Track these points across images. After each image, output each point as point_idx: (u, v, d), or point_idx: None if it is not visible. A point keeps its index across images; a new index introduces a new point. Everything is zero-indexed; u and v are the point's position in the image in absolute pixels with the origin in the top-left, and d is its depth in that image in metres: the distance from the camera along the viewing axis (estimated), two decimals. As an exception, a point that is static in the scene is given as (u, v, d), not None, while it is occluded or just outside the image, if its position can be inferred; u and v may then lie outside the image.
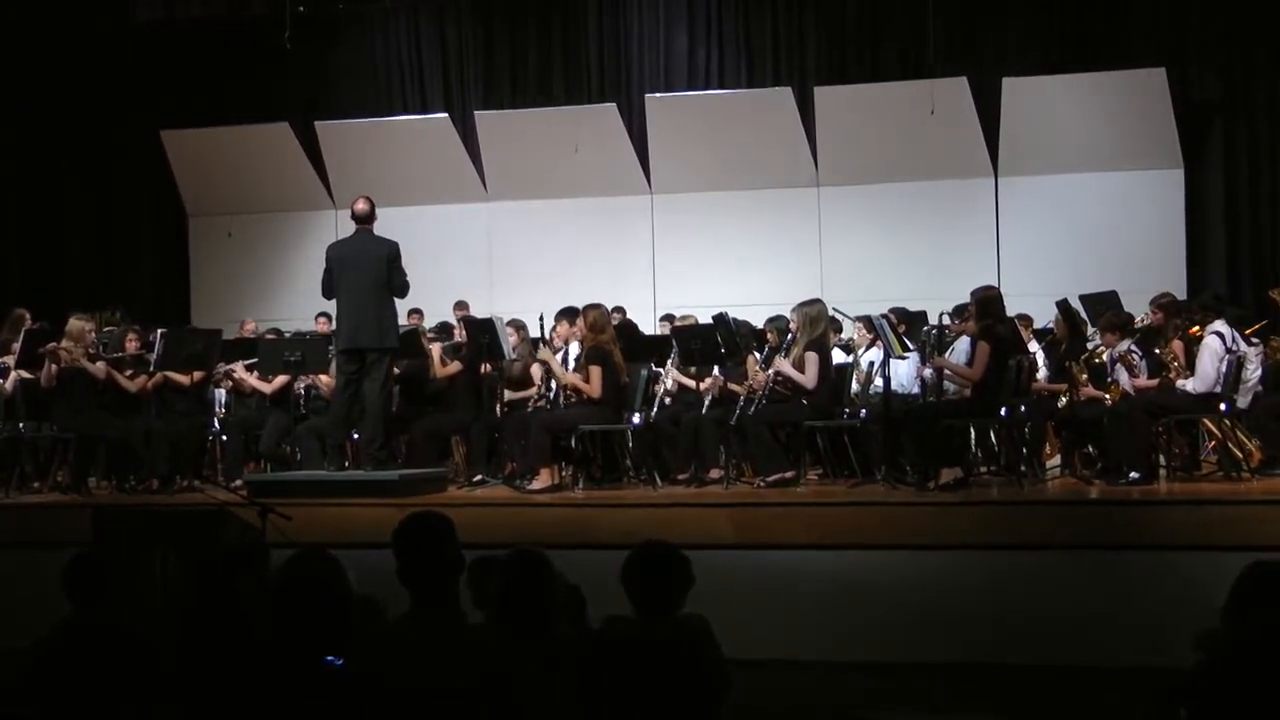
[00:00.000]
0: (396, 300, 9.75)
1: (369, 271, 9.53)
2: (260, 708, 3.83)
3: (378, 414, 9.57)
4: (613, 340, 9.79)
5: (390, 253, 9.56)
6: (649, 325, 13.91)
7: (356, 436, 10.09)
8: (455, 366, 10.50)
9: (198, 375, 10.67)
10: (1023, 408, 9.45)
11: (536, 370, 10.41)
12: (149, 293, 16.27)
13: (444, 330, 11.27)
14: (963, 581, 7.59)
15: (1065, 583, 7.48)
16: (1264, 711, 3.47)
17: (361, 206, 9.73)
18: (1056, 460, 10.07)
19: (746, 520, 8.42)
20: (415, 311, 13.24)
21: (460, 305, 13.53)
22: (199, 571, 4.59)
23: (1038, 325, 11.42)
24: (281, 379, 10.77)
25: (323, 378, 10.77)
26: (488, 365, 10.54)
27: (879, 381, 9.85)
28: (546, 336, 10.49)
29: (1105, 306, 10.50)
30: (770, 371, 9.58)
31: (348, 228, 9.99)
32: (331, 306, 10.09)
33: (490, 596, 4.19)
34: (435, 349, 10.58)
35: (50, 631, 4.34)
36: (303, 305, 14.16)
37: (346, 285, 9.60)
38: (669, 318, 13.27)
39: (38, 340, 10.45)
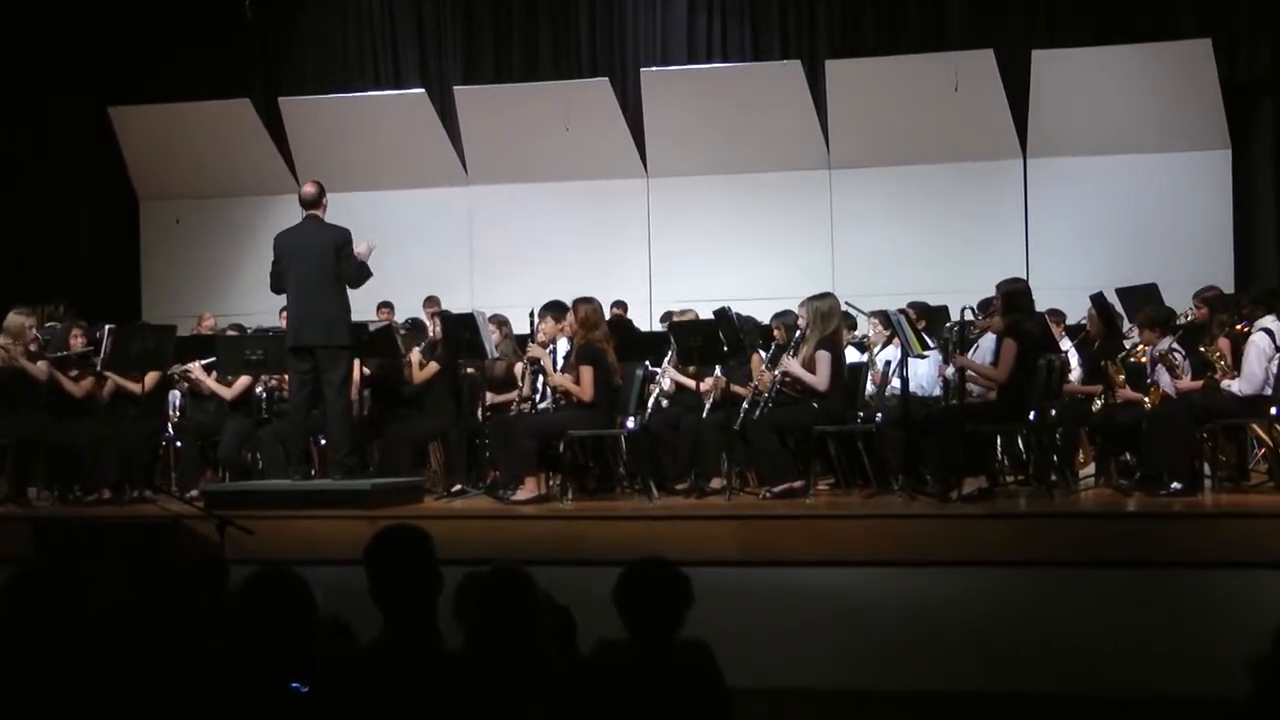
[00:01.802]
0: (352, 292, 9.73)
1: (315, 262, 9.53)
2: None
3: (341, 418, 9.57)
4: (605, 338, 9.78)
5: (338, 240, 9.56)
6: (644, 320, 13.90)
7: (324, 442, 10.08)
8: (433, 367, 10.49)
9: (151, 380, 10.61)
10: (1054, 411, 9.45)
11: (521, 370, 10.39)
12: (95, 285, 16.23)
13: (416, 327, 11.25)
14: (987, 601, 7.58)
15: (1100, 604, 7.48)
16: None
17: (308, 190, 9.77)
18: (1091, 469, 10.07)
19: (751, 534, 8.41)
20: (385, 305, 13.22)
21: (430, 301, 13.49)
22: (150, 591, 4.57)
23: (1070, 321, 11.43)
24: (243, 381, 10.77)
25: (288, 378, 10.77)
26: (467, 366, 10.54)
27: (896, 383, 9.84)
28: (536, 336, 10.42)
29: (1144, 301, 10.50)
30: (777, 371, 9.57)
31: (312, 213, 9.97)
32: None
33: (466, 618, 4.19)
34: (414, 355, 10.54)
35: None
36: (265, 299, 14.06)
37: (293, 277, 9.63)
38: (668, 316, 13.26)
39: (-28, 337, 10.42)
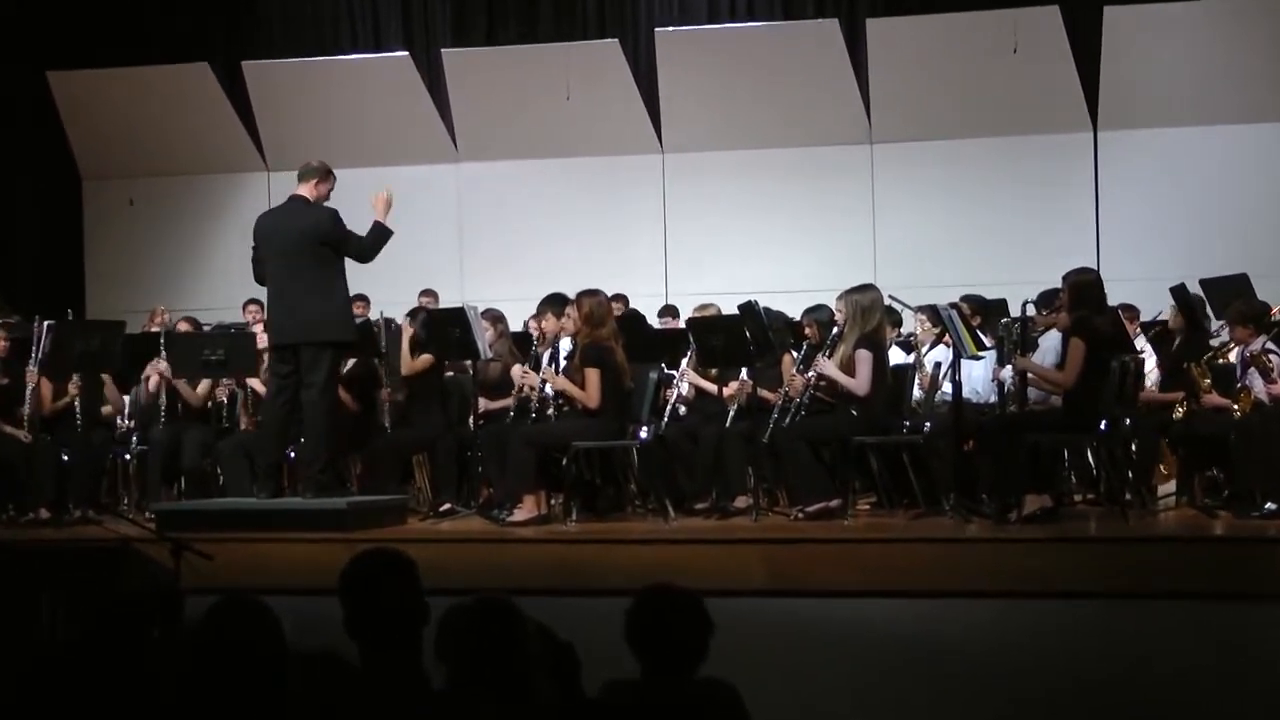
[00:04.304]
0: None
1: (294, 248, 9.58)
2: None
3: (318, 426, 9.59)
4: (614, 335, 9.79)
5: (319, 224, 9.58)
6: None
7: (292, 454, 10.10)
8: (426, 359, 10.49)
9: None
10: (1128, 420, 9.44)
11: (519, 372, 10.38)
12: (33, 275, 16.25)
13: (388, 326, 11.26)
14: (1051, 638, 7.56)
15: (1181, 640, 7.45)
16: None
17: (306, 163, 9.85)
18: (1171, 486, 10.06)
19: (781, 560, 8.42)
20: (360, 299, 13.23)
21: (427, 293, 13.50)
22: (95, 625, 4.58)
23: (1146, 317, 11.41)
24: (205, 386, 10.84)
25: (253, 382, 10.80)
26: (453, 368, 10.55)
27: (947, 387, 9.84)
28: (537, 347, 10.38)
29: (1233, 294, 10.48)
30: (811, 374, 9.58)
31: (281, 192, 10.07)
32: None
33: (447, 655, 4.20)
34: (406, 335, 10.53)
35: None
36: (227, 291, 14.17)
37: (271, 267, 9.67)
38: (670, 310, 13.24)
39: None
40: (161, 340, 11.14)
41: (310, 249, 9.55)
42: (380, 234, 9.78)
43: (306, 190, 9.72)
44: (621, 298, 13.10)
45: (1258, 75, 14.06)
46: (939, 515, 9.34)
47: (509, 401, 10.38)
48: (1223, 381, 9.63)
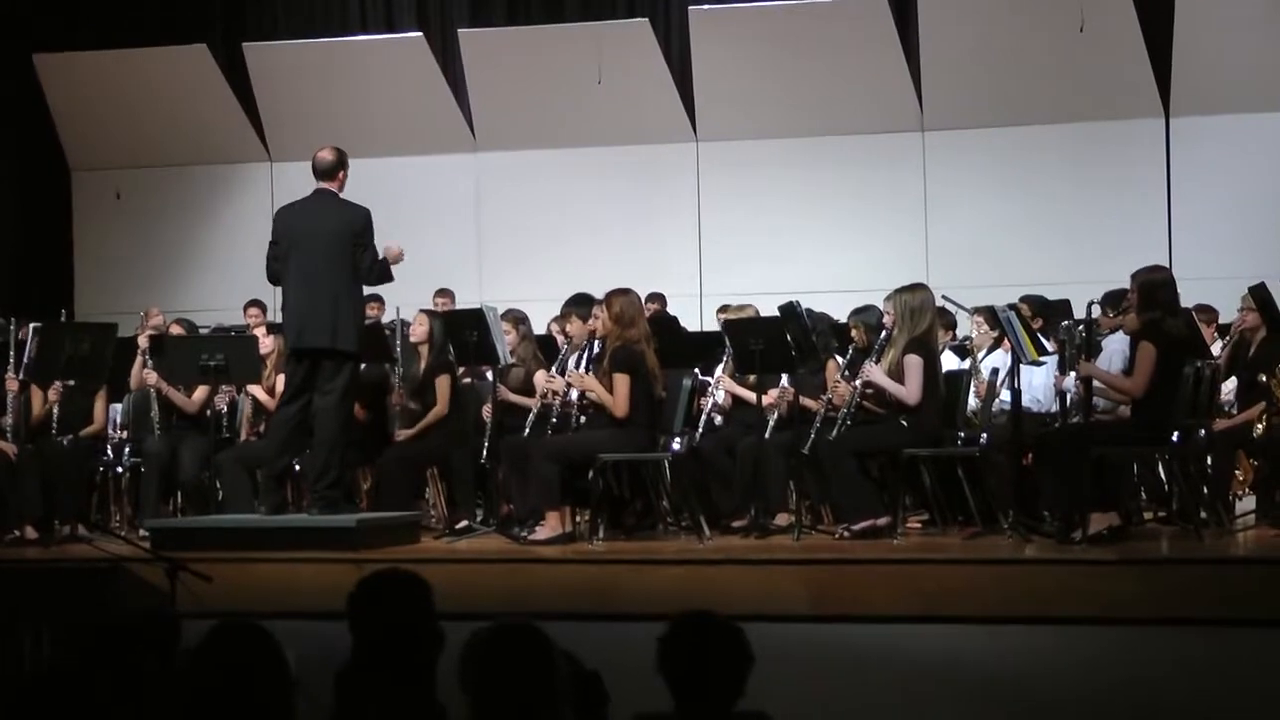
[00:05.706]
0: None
1: (322, 247, 9.60)
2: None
3: (331, 438, 9.60)
4: (645, 338, 9.79)
5: (354, 223, 9.62)
6: (693, 318, 13.91)
7: (299, 468, 10.12)
8: (446, 384, 10.55)
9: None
10: (1203, 431, 9.40)
11: (543, 379, 10.36)
12: (17, 274, 16.32)
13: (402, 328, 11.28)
14: (1118, 667, 7.55)
15: (1259, 670, 7.43)
16: None
17: (324, 156, 9.85)
18: (1250, 504, 10.02)
19: (825, 582, 8.42)
20: (375, 299, 13.26)
21: (443, 293, 13.52)
22: (84, 652, 4.60)
23: (1224, 319, 11.37)
24: (203, 391, 10.88)
25: (255, 389, 10.83)
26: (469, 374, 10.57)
27: (1005, 396, 9.83)
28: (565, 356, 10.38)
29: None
30: (857, 382, 9.57)
31: (285, 184, 10.08)
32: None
33: (469, 685, 4.20)
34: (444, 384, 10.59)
35: None
36: (226, 290, 14.20)
37: (294, 266, 9.68)
38: (725, 309, 13.24)
39: None
40: (145, 347, 11.17)
41: (343, 249, 9.58)
42: (385, 270, 9.82)
43: (334, 185, 9.75)
44: (658, 296, 13.10)
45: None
46: (996, 534, 9.33)
47: (534, 401, 10.30)
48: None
